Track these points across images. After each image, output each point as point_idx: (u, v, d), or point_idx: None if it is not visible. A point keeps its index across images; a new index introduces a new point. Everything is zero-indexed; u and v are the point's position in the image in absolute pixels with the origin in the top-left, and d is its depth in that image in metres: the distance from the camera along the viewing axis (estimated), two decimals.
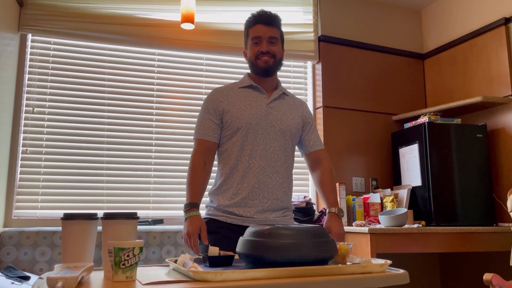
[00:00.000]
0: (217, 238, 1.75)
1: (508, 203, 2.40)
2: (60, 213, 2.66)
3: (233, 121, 1.82)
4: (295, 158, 3.19)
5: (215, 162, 1.91)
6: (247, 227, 1.74)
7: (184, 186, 2.89)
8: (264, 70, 1.87)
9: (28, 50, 2.77)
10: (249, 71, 1.97)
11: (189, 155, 2.06)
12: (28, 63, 2.75)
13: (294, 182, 3.17)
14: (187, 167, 2.08)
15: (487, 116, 3.07)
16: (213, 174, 1.99)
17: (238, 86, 1.92)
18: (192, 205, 1.76)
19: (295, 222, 2.01)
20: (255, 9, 3.18)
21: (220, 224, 1.79)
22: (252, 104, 1.86)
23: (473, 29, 3.22)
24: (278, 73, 3.47)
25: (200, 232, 1.71)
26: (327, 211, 1.95)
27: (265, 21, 1.87)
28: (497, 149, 2.98)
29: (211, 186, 1.92)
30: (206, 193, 1.91)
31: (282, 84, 3.26)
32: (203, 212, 1.85)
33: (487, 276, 2.17)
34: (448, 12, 3.47)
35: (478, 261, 3.10)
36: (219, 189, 1.85)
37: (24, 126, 2.70)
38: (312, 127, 2.03)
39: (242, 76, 3.16)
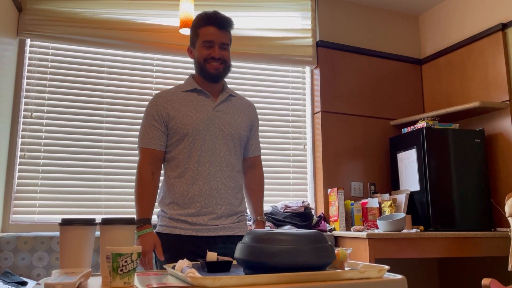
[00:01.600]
0: (172, 254, 1.69)
1: (506, 208, 2.40)
2: (58, 218, 2.66)
3: (179, 127, 1.75)
4: (295, 163, 3.22)
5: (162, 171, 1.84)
6: (202, 237, 1.73)
7: None
8: (214, 76, 1.81)
9: (27, 55, 2.77)
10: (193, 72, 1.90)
11: None
12: (26, 68, 2.76)
13: (292, 187, 3.21)
14: None
15: (484, 121, 3.08)
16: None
17: (182, 89, 1.84)
18: (143, 221, 1.70)
19: (250, 227, 1.97)
20: (253, 14, 3.21)
21: (173, 238, 1.73)
22: (198, 108, 1.79)
23: (470, 35, 3.24)
24: (277, 77, 3.49)
25: (155, 249, 1.68)
26: (253, 218, 1.94)
27: (219, 24, 1.80)
28: (494, 154, 2.99)
29: (158, 196, 1.85)
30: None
31: (280, 89, 3.30)
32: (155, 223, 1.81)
33: (485, 281, 2.17)
34: (445, 18, 3.49)
35: (476, 266, 3.10)
36: (168, 198, 1.78)
37: (22, 131, 2.69)
38: (256, 131, 1.98)
39: (239, 81, 3.19)
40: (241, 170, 1.89)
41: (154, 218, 1.82)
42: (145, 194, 1.74)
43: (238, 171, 1.86)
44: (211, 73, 1.80)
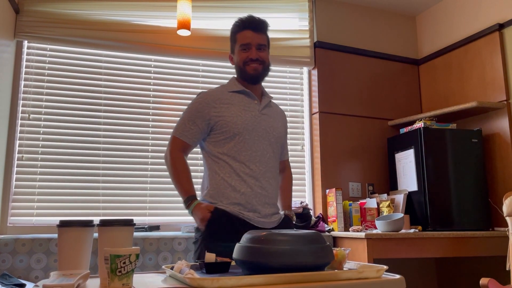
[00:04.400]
0: (220, 224, 1.71)
1: (504, 208, 2.41)
2: (56, 220, 2.65)
3: (229, 126, 1.79)
4: (293, 164, 3.22)
5: (200, 168, 1.89)
6: (249, 224, 1.75)
7: None
8: (254, 77, 1.86)
9: (24, 56, 2.77)
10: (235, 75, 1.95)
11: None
12: (24, 69, 2.75)
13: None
14: None
15: (482, 121, 3.09)
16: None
17: (228, 90, 1.88)
18: (191, 198, 1.75)
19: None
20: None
21: (223, 212, 1.74)
22: (246, 109, 1.84)
23: (467, 35, 3.24)
24: (275, 78, 3.49)
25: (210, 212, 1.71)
26: (282, 213, 1.98)
27: (254, 27, 1.86)
28: (492, 154, 3.00)
29: (202, 191, 1.88)
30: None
31: (278, 90, 3.31)
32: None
33: (483, 281, 2.18)
34: (442, 18, 3.50)
35: (474, 265, 3.11)
36: (216, 192, 1.79)
37: (20, 133, 2.69)
38: (286, 137, 2.07)
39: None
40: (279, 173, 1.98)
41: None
42: (184, 173, 1.79)
43: (279, 174, 1.95)
44: (250, 74, 1.85)
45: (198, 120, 1.82)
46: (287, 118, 3.24)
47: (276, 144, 1.89)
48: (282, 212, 1.96)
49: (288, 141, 3.23)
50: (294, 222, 2.02)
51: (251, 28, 1.85)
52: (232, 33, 1.92)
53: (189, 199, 1.76)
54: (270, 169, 1.84)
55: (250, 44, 1.84)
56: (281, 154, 2.01)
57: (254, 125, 1.82)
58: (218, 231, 1.71)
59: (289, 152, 3.22)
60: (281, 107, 3.24)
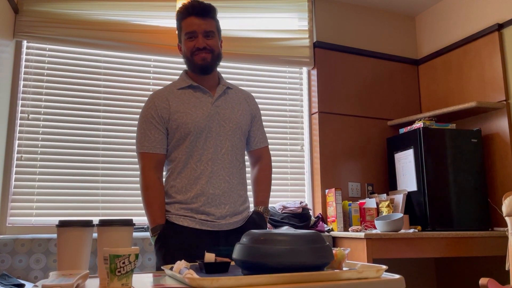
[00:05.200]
0: (175, 244, 1.64)
1: (503, 208, 2.41)
2: (55, 220, 2.65)
3: (179, 127, 1.67)
4: (292, 164, 3.23)
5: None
6: (205, 230, 1.66)
7: None
8: (202, 68, 1.72)
9: (23, 56, 2.76)
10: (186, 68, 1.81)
11: None
12: (23, 69, 2.75)
13: (290, 187, 3.21)
14: None
15: (481, 121, 3.09)
16: None
17: (177, 87, 1.75)
18: (159, 228, 1.65)
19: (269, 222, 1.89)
20: (249, 15, 3.21)
21: (177, 227, 1.66)
22: (197, 105, 1.71)
23: (466, 35, 3.25)
24: (274, 78, 3.49)
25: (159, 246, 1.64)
26: (253, 209, 1.83)
27: (198, 12, 1.70)
28: (491, 154, 3.00)
29: None
30: None
31: (278, 90, 3.30)
32: None
33: (483, 281, 2.18)
34: (442, 18, 3.50)
35: (474, 265, 3.11)
36: (169, 199, 1.70)
37: (19, 133, 2.69)
38: (259, 121, 1.88)
39: (237, 82, 3.19)
40: (244, 166, 1.81)
41: None
42: (156, 200, 1.67)
43: (242, 167, 1.78)
44: (199, 64, 1.71)
45: (158, 125, 1.70)
46: (286, 119, 3.28)
47: (234, 135, 1.74)
48: (251, 210, 1.82)
49: (287, 141, 3.27)
50: (268, 218, 1.86)
51: (195, 14, 1.70)
52: (177, 20, 1.77)
53: (156, 229, 1.65)
54: (226, 166, 1.70)
55: (195, 31, 1.69)
56: (250, 143, 1.86)
57: (206, 121, 1.69)
58: (171, 250, 1.65)
59: (288, 152, 3.26)
60: (280, 107, 3.28)
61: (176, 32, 1.81)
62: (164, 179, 1.77)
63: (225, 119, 1.74)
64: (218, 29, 1.78)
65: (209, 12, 1.73)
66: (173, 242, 1.65)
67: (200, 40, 1.70)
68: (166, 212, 1.71)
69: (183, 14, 1.73)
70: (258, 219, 1.79)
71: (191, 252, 1.59)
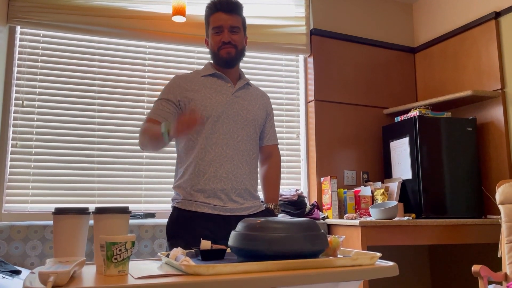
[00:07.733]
0: (186, 229, 1.68)
1: (497, 196, 2.43)
2: (51, 207, 2.65)
3: (199, 109, 1.74)
4: (288, 152, 3.23)
5: (173, 155, 1.79)
6: (217, 215, 1.71)
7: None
8: (226, 61, 1.81)
9: (17, 42, 2.73)
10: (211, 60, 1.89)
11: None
12: (17, 55, 2.72)
13: (286, 175, 3.22)
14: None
15: (477, 109, 3.10)
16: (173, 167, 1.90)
17: (201, 74, 1.84)
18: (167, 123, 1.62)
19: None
20: (246, 1, 3.18)
21: (190, 214, 1.71)
22: (218, 92, 1.79)
23: (463, 23, 3.24)
24: (271, 66, 3.47)
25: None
26: (265, 206, 1.89)
27: (225, 8, 1.79)
28: (486, 143, 3.01)
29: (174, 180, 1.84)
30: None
31: (274, 77, 3.29)
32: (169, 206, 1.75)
33: (475, 268, 2.21)
34: (439, 6, 3.48)
35: (467, 253, 3.14)
36: (183, 179, 1.76)
37: (13, 120, 2.67)
38: (272, 120, 1.98)
39: None
40: (257, 157, 1.89)
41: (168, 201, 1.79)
42: (153, 125, 1.69)
43: (255, 158, 1.85)
44: (224, 58, 1.80)
45: (171, 102, 1.77)
46: (282, 106, 3.28)
47: (250, 127, 1.82)
48: (264, 205, 1.89)
49: (283, 129, 3.27)
50: (278, 215, 1.94)
51: (223, 10, 1.79)
52: (205, 16, 1.86)
53: (165, 125, 1.60)
54: (240, 152, 1.77)
55: (222, 26, 1.78)
56: (262, 139, 1.94)
57: (224, 107, 1.77)
58: (184, 236, 1.69)
59: (284, 140, 3.27)
60: (276, 95, 3.28)
61: (205, 27, 1.90)
62: (177, 160, 1.83)
63: (243, 109, 1.82)
64: (244, 25, 1.88)
65: (236, 9, 1.82)
66: (198, 227, 1.69)
67: (225, 34, 1.78)
68: (177, 200, 1.76)
69: (211, 9, 1.82)
70: (270, 216, 1.85)
71: (213, 238, 1.65)
